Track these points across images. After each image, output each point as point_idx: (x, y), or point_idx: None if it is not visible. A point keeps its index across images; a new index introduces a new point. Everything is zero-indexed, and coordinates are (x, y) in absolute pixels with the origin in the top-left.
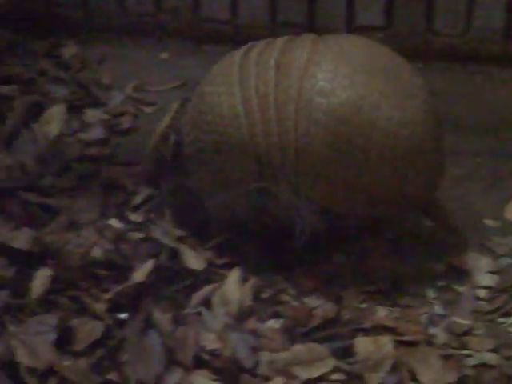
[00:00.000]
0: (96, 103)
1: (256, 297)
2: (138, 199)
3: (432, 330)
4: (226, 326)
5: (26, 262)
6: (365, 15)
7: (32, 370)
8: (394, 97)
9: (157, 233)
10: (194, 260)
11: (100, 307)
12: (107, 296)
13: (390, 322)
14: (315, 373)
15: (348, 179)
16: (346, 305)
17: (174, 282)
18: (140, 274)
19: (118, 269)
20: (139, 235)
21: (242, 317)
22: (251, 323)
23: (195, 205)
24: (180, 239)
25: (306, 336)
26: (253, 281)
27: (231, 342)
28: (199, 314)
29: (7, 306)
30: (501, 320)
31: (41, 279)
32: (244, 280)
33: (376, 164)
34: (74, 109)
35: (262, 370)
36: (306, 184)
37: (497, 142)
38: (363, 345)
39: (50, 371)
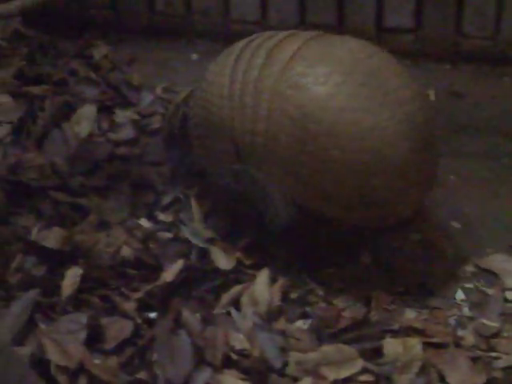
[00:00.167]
0: (126, 103)
1: (285, 297)
2: (167, 199)
3: (460, 332)
4: (254, 326)
5: (57, 261)
6: (394, 17)
7: (62, 369)
8: (367, 102)
9: (186, 233)
10: (223, 260)
11: (130, 306)
12: (137, 295)
13: (418, 323)
14: (343, 374)
15: (311, 176)
16: (374, 306)
17: (203, 282)
18: (170, 273)
19: (148, 268)
20: (169, 235)
21: (270, 317)
22: (280, 323)
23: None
24: (209, 240)
25: (335, 337)
26: (281, 281)
27: (260, 342)
28: (228, 314)
29: (38, 305)
30: None
31: (71, 278)
32: (273, 280)
33: (337, 166)
34: (104, 109)
35: (291, 370)
36: (274, 174)
37: None
38: (392, 346)
39: (80, 369)
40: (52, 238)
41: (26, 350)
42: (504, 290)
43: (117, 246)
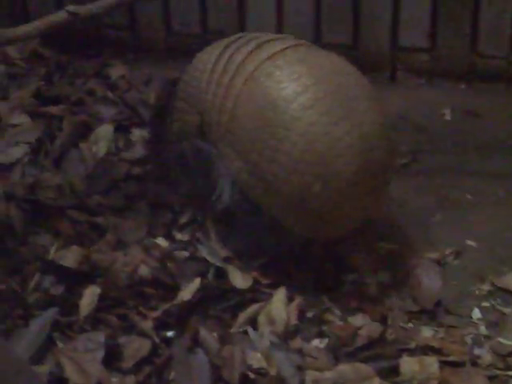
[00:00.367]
0: (143, 123)
1: (301, 316)
2: (184, 218)
3: (477, 351)
4: (271, 345)
5: (75, 280)
6: (409, 36)
7: None
8: (329, 109)
9: (203, 252)
10: (240, 279)
11: (147, 325)
12: (155, 314)
13: (435, 342)
14: None
15: (258, 164)
16: (390, 325)
17: (220, 301)
18: (187, 292)
19: (165, 287)
20: (186, 254)
21: (287, 336)
22: (297, 342)
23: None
24: (226, 259)
25: (351, 355)
26: (298, 300)
27: (277, 361)
28: (245, 332)
29: (56, 324)
30: None
31: (89, 297)
32: (289, 299)
33: (285, 159)
34: (121, 128)
35: None
36: (227, 155)
37: None
38: (408, 365)
39: None
40: (70, 258)
41: (44, 369)
42: None
43: (134, 265)
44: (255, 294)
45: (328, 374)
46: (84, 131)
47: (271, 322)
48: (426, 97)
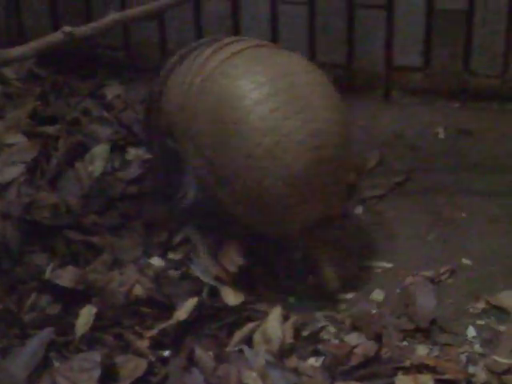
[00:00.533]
0: (138, 142)
1: (297, 335)
2: (178, 237)
3: (472, 369)
4: (267, 364)
5: (71, 299)
6: (403, 56)
7: None
8: (282, 106)
9: (196, 271)
10: (233, 298)
11: (143, 344)
12: (150, 333)
13: (429, 360)
14: None
15: (213, 160)
16: (386, 343)
17: (215, 320)
18: (182, 311)
19: (161, 307)
20: (180, 273)
21: (283, 355)
22: (292, 361)
23: None
24: (219, 277)
25: (347, 374)
26: (293, 319)
27: (272, 380)
28: (241, 351)
29: (52, 343)
30: None
31: (85, 317)
32: (285, 318)
33: (237, 155)
34: (117, 148)
35: None
36: (189, 152)
37: None
38: (404, 383)
39: None
40: (66, 277)
41: None
42: None
43: (130, 284)
44: (250, 313)
45: None
46: (80, 151)
47: (267, 340)
48: (420, 116)
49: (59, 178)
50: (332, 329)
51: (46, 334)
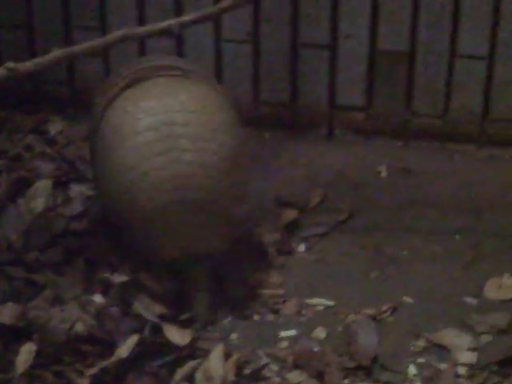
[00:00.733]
0: (81, 178)
1: (239, 373)
2: (120, 274)
3: None
4: None
5: (11, 336)
6: (346, 95)
7: None
8: (133, 139)
9: (139, 308)
10: (176, 335)
11: (84, 382)
12: (91, 371)
13: None
14: None
15: (99, 171)
16: (328, 381)
17: (157, 357)
18: (124, 349)
19: (102, 344)
20: (122, 310)
21: None
22: None
23: None
24: (161, 315)
25: None
26: (236, 356)
27: None
28: None
29: None
30: None
31: (25, 354)
32: (227, 356)
33: (114, 168)
34: (60, 184)
35: None
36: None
37: (476, 220)
38: None
39: None
40: (6, 314)
41: None
42: (456, 365)
43: (71, 321)
44: (192, 351)
45: None
46: (22, 186)
47: (208, 378)
48: (363, 154)
49: (0, 214)
50: (274, 367)
51: None
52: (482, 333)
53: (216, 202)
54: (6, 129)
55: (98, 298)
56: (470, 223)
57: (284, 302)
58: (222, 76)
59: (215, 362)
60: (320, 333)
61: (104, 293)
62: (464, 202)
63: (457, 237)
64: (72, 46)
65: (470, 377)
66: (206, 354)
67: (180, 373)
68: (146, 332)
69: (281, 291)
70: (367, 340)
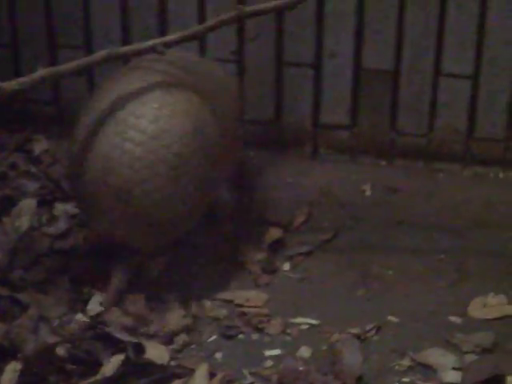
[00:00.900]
0: (66, 197)
1: None
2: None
3: None
4: None
5: None
6: (330, 114)
7: None
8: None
9: (115, 332)
10: (159, 354)
11: None
12: None
13: None
14: None
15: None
16: None
17: (141, 377)
18: (109, 367)
19: (86, 363)
20: (105, 329)
21: None
22: None
23: None
24: (143, 333)
25: None
26: (220, 376)
27: None
28: None
29: None
30: None
31: (10, 373)
32: (211, 375)
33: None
34: (44, 203)
35: None
36: None
37: (461, 239)
38: None
39: None
40: None
41: None
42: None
43: (54, 341)
44: (177, 370)
45: None
46: (6, 205)
47: None
48: (347, 173)
49: None
50: None
51: None
52: (467, 352)
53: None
54: None
55: (80, 317)
56: (454, 242)
57: (269, 320)
58: None
59: (200, 381)
60: (305, 352)
61: (86, 312)
62: (449, 221)
63: (441, 256)
64: (57, 66)
65: None
66: (190, 373)
67: None
68: (129, 352)
69: (265, 310)
70: (352, 359)
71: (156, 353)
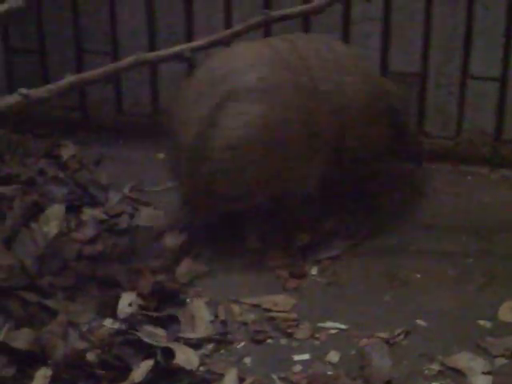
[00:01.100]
0: (94, 203)
1: None
2: (127, 298)
3: None
4: None
5: (26, 361)
6: None
7: None
8: None
9: (144, 337)
10: (188, 359)
11: None
12: None
13: None
14: None
15: None
16: None
17: (171, 382)
18: (138, 373)
19: (116, 369)
20: (135, 335)
21: None
22: None
23: None
24: (173, 338)
25: None
26: (249, 380)
27: None
28: None
29: None
30: None
31: (41, 379)
32: (241, 380)
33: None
34: (73, 208)
35: None
36: None
37: (489, 242)
38: None
39: None
40: (21, 339)
41: None
42: None
43: (85, 346)
44: (206, 375)
45: None
46: (35, 211)
47: None
48: None
49: (14, 239)
50: None
51: None
52: (497, 356)
53: None
54: (18, 153)
55: (109, 323)
56: (482, 246)
57: (297, 325)
58: None
59: None
60: (333, 356)
61: (115, 317)
62: (477, 225)
63: (470, 260)
64: (84, 73)
65: None
66: (219, 378)
67: None
68: (159, 357)
69: (294, 315)
70: (381, 363)
71: (185, 358)
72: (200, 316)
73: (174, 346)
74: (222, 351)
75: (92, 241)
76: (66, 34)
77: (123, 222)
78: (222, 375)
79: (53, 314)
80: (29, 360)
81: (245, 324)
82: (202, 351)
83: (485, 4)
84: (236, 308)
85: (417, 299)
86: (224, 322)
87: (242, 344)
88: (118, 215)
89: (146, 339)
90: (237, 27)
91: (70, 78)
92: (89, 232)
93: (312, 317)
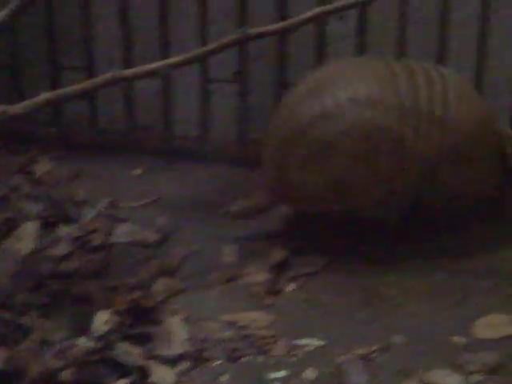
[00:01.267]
0: (69, 219)
1: None
2: (105, 315)
3: None
4: None
5: (0, 381)
6: None
7: None
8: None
9: (120, 355)
10: (164, 377)
11: None
12: None
13: None
14: None
15: None
16: None
17: None
18: None
19: None
20: (110, 353)
21: None
22: None
23: None
24: (148, 356)
25: None
26: None
27: None
28: None
29: None
30: None
31: None
32: None
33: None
34: (47, 225)
35: None
36: None
37: (465, 259)
38: None
39: None
40: None
41: None
42: None
43: (59, 365)
44: None
45: None
46: (9, 228)
47: None
48: None
49: None
50: None
51: None
52: (472, 372)
53: None
54: None
55: (84, 342)
56: (459, 263)
57: (274, 342)
58: (208, 116)
59: None
60: (310, 373)
61: (90, 335)
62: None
63: (443, 275)
64: (61, 89)
65: None
66: None
67: None
68: (134, 376)
69: (271, 332)
70: (358, 380)
71: (161, 376)
72: (176, 333)
73: (149, 364)
74: (198, 369)
75: (67, 257)
76: (40, 49)
77: (99, 238)
78: None
79: (27, 332)
80: (2, 379)
81: (221, 341)
82: (179, 369)
83: None
84: (212, 325)
85: (393, 315)
86: (200, 340)
87: (219, 362)
88: (94, 231)
89: (122, 358)
90: (213, 44)
91: (46, 95)
92: (64, 249)
93: (289, 334)
